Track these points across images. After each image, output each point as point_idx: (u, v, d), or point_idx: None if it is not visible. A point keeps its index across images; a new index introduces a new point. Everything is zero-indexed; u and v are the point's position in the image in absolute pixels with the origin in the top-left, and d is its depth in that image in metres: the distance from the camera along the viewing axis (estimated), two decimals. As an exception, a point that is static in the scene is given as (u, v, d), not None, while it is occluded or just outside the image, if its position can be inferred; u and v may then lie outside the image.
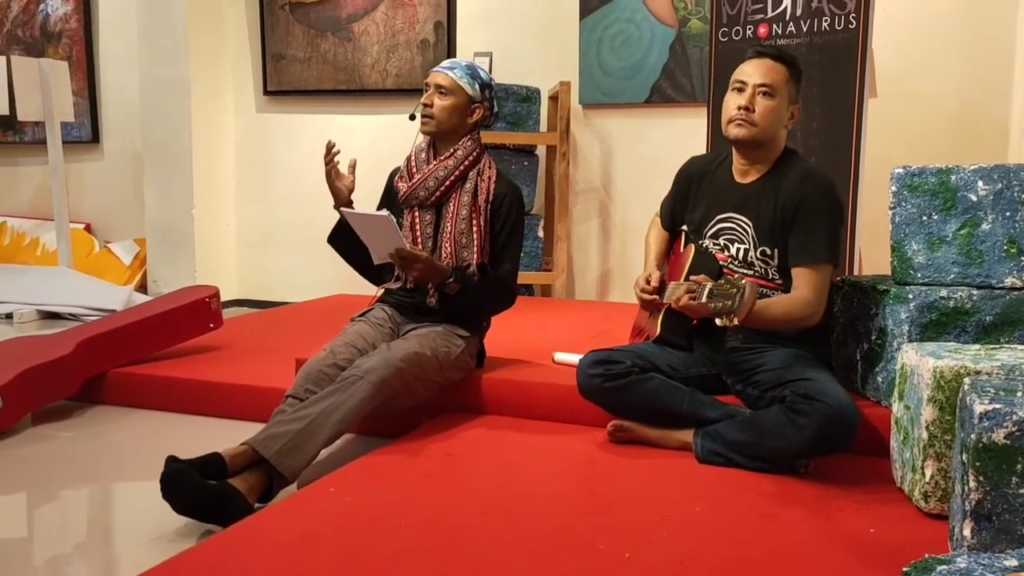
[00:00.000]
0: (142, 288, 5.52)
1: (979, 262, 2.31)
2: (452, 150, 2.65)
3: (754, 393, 2.31)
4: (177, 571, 1.67)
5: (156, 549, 1.91)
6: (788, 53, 2.43)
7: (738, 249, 2.42)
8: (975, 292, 2.28)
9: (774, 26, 3.59)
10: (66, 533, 2.14)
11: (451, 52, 5.06)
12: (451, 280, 2.55)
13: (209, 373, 3.10)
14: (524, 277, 4.30)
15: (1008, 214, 2.29)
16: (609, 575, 1.66)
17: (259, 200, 5.59)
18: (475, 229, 2.62)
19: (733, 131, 2.37)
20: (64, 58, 5.78)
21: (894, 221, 2.39)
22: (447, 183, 2.63)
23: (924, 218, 2.35)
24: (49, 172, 5.35)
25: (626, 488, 2.12)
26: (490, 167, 2.70)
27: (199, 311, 3.41)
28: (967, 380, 1.78)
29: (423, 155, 2.70)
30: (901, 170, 2.38)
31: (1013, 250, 2.29)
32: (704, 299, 2.04)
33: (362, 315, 2.71)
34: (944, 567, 1.27)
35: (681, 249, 2.58)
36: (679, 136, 4.57)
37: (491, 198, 2.65)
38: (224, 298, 3.62)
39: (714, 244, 2.47)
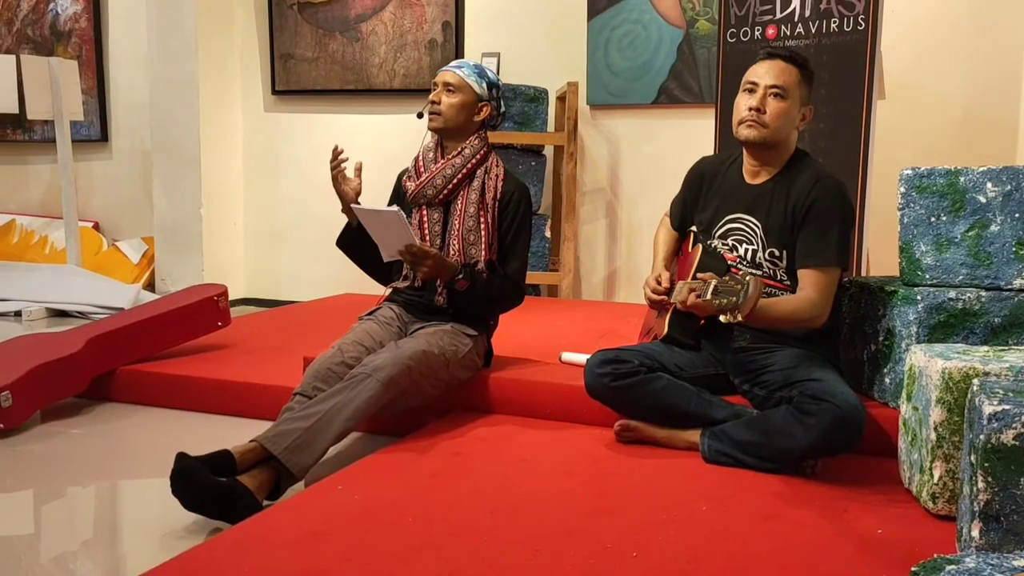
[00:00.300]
0: (150, 286, 5.54)
1: (988, 264, 2.31)
2: (460, 148, 2.66)
3: (761, 393, 2.31)
4: (186, 568, 1.68)
5: (165, 546, 1.92)
6: (800, 55, 2.43)
7: (746, 250, 2.42)
8: (984, 294, 2.28)
9: (783, 27, 3.59)
10: (75, 529, 2.15)
11: (459, 52, 5.06)
12: (460, 277, 2.56)
13: (217, 371, 3.10)
14: (531, 277, 4.31)
15: (1017, 216, 2.29)
16: (616, 574, 1.66)
17: (267, 199, 5.60)
18: (483, 226, 2.63)
19: (743, 132, 2.37)
20: (73, 57, 5.80)
21: (902, 222, 2.39)
22: (455, 181, 2.64)
23: (933, 219, 2.35)
24: (58, 170, 5.38)
25: (633, 487, 2.12)
26: (497, 165, 2.71)
27: (207, 309, 3.42)
28: (976, 381, 1.78)
29: (431, 154, 2.72)
30: (910, 171, 2.38)
31: (1022, 252, 2.28)
32: (709, 296, 2.04)
33: (370, 314, 2.71)
34: (953, 567, 1.27)
35: (689, 249, 2.58)
36: (686, 137, 4.58)
37: (499, 196, 2.67)
38: (232, 297, 3.63)
39: (722, 244, 2.47)
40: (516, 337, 3.15)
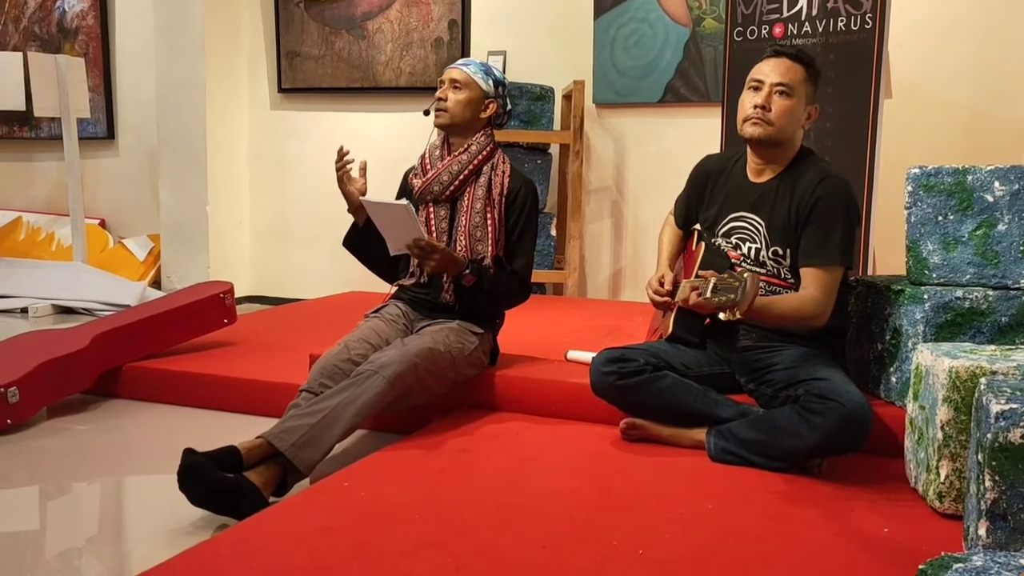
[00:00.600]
0: (156, 284, 5.56)
1: (995, 263, 2.31)
2: (466, 145, 2.67)
3: (767, 392, 2.31)
4: (192, 564, 1.69)
5: (171, 541, 1.92)
6: (806, 53, 2.42)
7: (750, 248, 2.42)
8: (991, 293, 2.28)
9: (789, 26, 3.59)
10: (81, 525, 2.15)
11: (465, 50, 5.07)
12: (467, 272, 2.56)
13: (224, 368, 3.11)
14: (536, 275, 4.31)
15: (1025, 215, 2.28)
16: (622, 571, 1.66)
17: (273, 197, 5.61)
18: (489, 222, 2.64)
19: (748, 130, 2.36)
20: (80, 55, 5.81)
21: (909, 221, 2.38)
22: (461, 177, 2.65)
23: (940, 218, 2.35)
24: (65, 168, 5.39)
25: (639, 486, 2.12)
26: (504, 162, 2.72)
27: (213, 306, 3.43)
28: (983, 380, 1.78)
29: (437, 151, 2.72)
30: (917, 170, 2.38)
31: (1030, 251, 2.28)
32: (708, 294, 2.04)
33: (376, 311, 2.72)
34: (960, 565, 1.27)
35: (693, 247, 2.58)
36: (692, 136, 4.57)
37: (505, 192, 2.67)
38: (237, 294, 3.64)
39: (726, 243, 2.46)
40: (522, 335, 3.15)
